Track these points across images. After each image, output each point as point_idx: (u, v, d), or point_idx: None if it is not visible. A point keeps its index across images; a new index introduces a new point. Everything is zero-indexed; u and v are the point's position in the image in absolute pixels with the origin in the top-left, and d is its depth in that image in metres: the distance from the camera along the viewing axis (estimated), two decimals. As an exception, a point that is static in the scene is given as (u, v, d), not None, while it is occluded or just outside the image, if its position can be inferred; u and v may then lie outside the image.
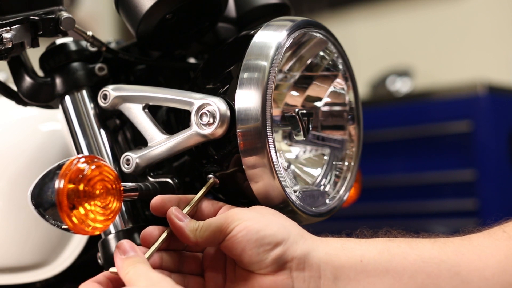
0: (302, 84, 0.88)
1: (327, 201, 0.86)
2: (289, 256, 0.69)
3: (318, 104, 0.89)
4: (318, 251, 0.70)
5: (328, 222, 0.87)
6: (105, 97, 0.84)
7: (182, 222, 0.72)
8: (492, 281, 0.67)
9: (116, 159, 0.84)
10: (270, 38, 0.77)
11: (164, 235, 0.73)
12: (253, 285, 0.70)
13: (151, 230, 0.74)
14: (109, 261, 0.79)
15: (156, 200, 0.74)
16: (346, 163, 0.89)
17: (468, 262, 0.68)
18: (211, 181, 0.78)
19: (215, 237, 0.70)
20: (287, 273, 0.69)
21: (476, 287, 0.67)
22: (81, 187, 0.66)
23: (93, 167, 0.67)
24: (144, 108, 0.82)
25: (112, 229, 0.80)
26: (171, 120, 0.88)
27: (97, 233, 0.69)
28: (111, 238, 0.79)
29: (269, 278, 0.69)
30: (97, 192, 0.67)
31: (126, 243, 0.70)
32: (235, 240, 0.69)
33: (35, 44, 0.80)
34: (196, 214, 0.76)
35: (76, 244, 0.98)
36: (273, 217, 0.72)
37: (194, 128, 0.76)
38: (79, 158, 0.68)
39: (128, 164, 0.81)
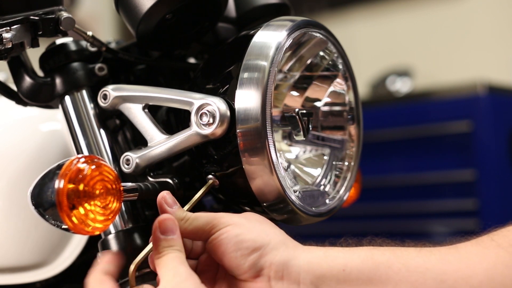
0: (302, 84, 0.88)
1: (327, 201, 0.86)
2: (267, 262, 0.68)
3: (318, 104, 0.89)
4: (299, 259, 0.68)
5: (328, 222, 0.87)
6: (105, 97, 0.84)
7: (170, 208, 0.72)
8: None
9: (116, 159, 0.84)
10: (270, 38, 0.77)
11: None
12: None
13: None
14: (109, 261, 0.79)
15: (161, 193, 0.74)
16: (346, 163, 0.89)
17: (454, 270, 0.66)
18: (210, 181, 0.78)
19: (198, 233, 0.71)
20: (265, 279, 0.68)
21: None
22: (81, 187, 0.66)
23: (93, 167, 0.67)
24: (144, 108, 0.82)
25: (112, 229, 0.80)
26: (171, 120, 0.88)
27: (97, 233, 0.69)
28: (111, 238, 0.79)
29: (249, 284, 0.69)
30: (97, 192, 0.67)
31: (170, 221, 0.69)
32: (217, 242, 0.69)
33: (35, 44, 0.80)
34: None
35: (76, 244, 0.98)
36: (258, 223, 0.72)
37: (194, 128, 0.76)
38: (79, 158, 0.68)
39: (128, 164, 0.81)
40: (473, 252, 0.67)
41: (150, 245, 0.71)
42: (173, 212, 0.71)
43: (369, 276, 0.67)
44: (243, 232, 0.69)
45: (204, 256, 0.75)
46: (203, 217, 0.71)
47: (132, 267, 0.71)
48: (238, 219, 0.71)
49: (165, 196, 0.72)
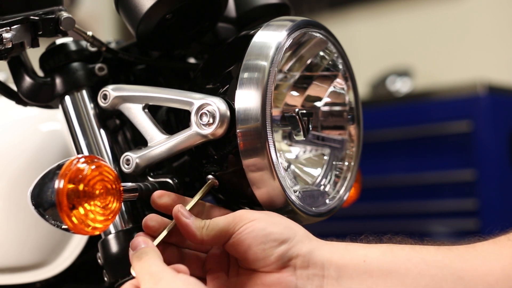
0: (302, 84, 0.88)
1: (327, 201, 0.86)
2: (294, 253, 0.70)
3: (318, 104, 0.89)
4: (322, 250, 0.70)
5: (328, 222, 0.87)
6: (105, 97, 0.84)
7: (188, 220, 0.72)
8: (495, 287, 0.66)
9: (116, 159, 0.83)
10: (270, 38, 0.77)
11: (171, 225, 0.73)
12: (256, 283, 0.70)
13: (153, 217, 0.74)
14: (109, 261, 0.79)
15: (158, 192, 0.75)
16: (346, 163, 0.89)
17: (472, 267, 0.68)
18: (210, 181, 0.78)
19: (222, 236, 0.71)
20: (291, 270, 0.70)
21: None
22: (81, 187, 0.66)
23: (93, 167, 0.67)
24: (144, 108, 0.82)
25: (112, 229, 0.80)
26: (171, 120, 0.88)
27: (97, 233, 0.69)
28: (111, 238, 0.79)
29: (273, 275, 0.70)
30: (97, 192, 0.67)
31: (138, 238, 0.71)
32: (241, 237, 0.70)
33: (35, 44, 0.80)
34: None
35: (76, 244, 0.98)
36: (279, 218, 0.73)
37: (194, 128, 0.76)
38: (79, 158, 0.68)
39: (128, 164, 0.81)
40: (490, 250, 0.69)
41: (170, 225, 0.72)
42: (191, 222, 0.72)
43: (388, 268, 0.68)
44: (269, 226, 0.70)
45: (213, 251, 0.75)
46: (223, 220, 0.72)
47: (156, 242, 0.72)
48: (260, 214, 0.72)
49: (180, 209, 0.73)
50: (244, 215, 0.72)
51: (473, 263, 0.68)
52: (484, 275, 0.67)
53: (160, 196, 0.75)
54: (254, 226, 0.70)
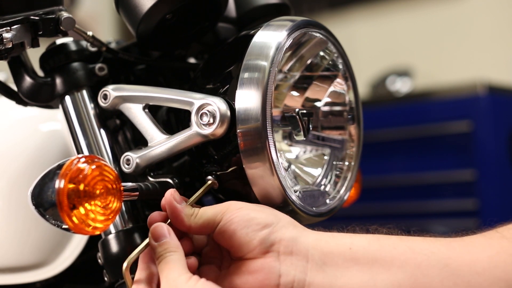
0: (302, 84, 0.88)
1: (327, 201, 0.86)
2: (277, 238, 0.70)
3: (318, 104, 0.89)
4: (307, 237, 0.70)
5: (328, 222, 0.87)
6: (105, 97, 0.84)
7: (179, 205, 0.73)
8: (482, 275, 0.66)
9: (116, 159, 0.84)
10: (270, 38, 0.77)
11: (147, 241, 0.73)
12: (242, 271, 0.70)
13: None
14: (109, 261, 0.79)
15: (169, 191, 0.75)
16: (347, 163, 0.89)
17: (458, 255, 0.67)
18: (209, 182, 0.78)
19: (209, 225, 0.72)
20: (275, 255, 0.69)
21: (466, 281, 0.66)
22: (81, 187, 0.66)
23: (93, 167, 0.67)
24: (144, 108, 0.82)
25: (112, 229, 0.80)
26: (171, 120, 0.88)
27: (97, 233, 0.69)
28: (111, 238, 0.79)
29: (257, 261, 0.70)
30: (97, 192, 0.67)
31: (160, 228, 0.71)
32: (227, 223, 0.71)
33: (35, 44, 0.80)
34: None
35: (76, 244, 0.98)
36: (267, 208, 0.74)
37: (194, 128, 0.76)
38: (79, 158, 0.68)
39: (128, 164, 0.81)
40: (478, 241, 0.69)
41: (142, 244, 0.72)
42: (181, 208, 0.72)
43: (374, 256, 0.68)
44: (252, 212, 0.71)
45: (207, 249, 0.76)
46: (211, 209, 0.73)
47: (124, 265, 0.71)
48: (248, 204, 0.73)
49: (173, 194, 0.73)
50: (232, 205, 0.72)
51: (460, 251, 0.68)
52: (471, 263, 0.66)
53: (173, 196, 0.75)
54: (239, 213, 0.71)
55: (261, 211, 0.72)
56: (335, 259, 0.69)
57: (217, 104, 0.74)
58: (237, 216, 0.71)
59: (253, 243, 0.69)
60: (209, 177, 0.79)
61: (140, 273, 0.72)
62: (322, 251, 0.69)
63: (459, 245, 0.68)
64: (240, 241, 0.70)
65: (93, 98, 0.86)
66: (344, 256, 0.69)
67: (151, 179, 0.82)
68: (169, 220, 0.74)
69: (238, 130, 0.74)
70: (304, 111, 0.84)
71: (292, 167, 0.87)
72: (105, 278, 0.81)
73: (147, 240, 0.72)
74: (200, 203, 0.77)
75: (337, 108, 0.90)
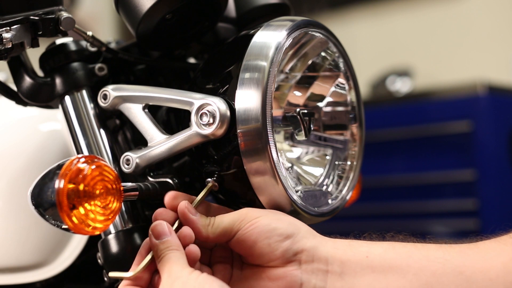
0: (304, 84, 0.88)
1: (329, 201, 0.86)
2: (299, 248, 0.71)
3: (320, 104, 0.89)
4: (326, 246, 0.72)
5: (328, 222, 0.87)
6: (105, 97, 0.84)
7: (194, 217, 0.73)
8: (496, 282, 0.67)
9: (116, 159, 0.83)
10: (270, 38, 0.77)
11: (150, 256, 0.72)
12: (261, 277, 0.71)
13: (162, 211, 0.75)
14: (109, 261, 0.79)
15: (172, 193, 0.75)
16: (349, 163, 0.89)
17: (472, 262, 0.68)
18: (210, 185, 0.78)
19: (227, 233, 0.72)
20: (296, 265, 0.71)
21: (480, 287, 0.67)
22: (81, 187, 0.66)
23: (93, 167, 0.67)
24: (144, 108, 0.82)
25: (112, 229, 0.80)
26: (171, 120, 0.88)
27: (97, 233, 0.69)
28: (111, 238, 0.79)
29: (279, 269, 0.71)
30: (97, 192, 0.67)
31: (160, 227, 0.71)
32: (247, 233, 0.71)
33: (35, 44, 0.80)
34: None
35: (76, 244, 0.98)
36: (282, 215, 0.74)
37: (194, 128, 0.76)
38: (79, 158, 0.68)
39: (128, 164, 0.81)
40: (492, 247, 0.70)
41: (147, 259, 0.71)
42: (197, 220, 0.73)
43: (390, 264, 0.70)
44: (273, 222, 0.72)
45: (217, 248, 0.76)
46: (227, 218, 0.73)
47: (130, 275, 0.71)
48: (263, 212, 0.74)
49: (187, 206, 0.74)
50: (249, 213, 0.73)
51: (474, 258, 0.69)
52: (485, 270, 0.67)
53: (176, 198, 0.75)
54: (259, 223, 0.71)
55: (280, 220, 0.72)
56: (352, 267, 0.70)
57: (217, 104, 0.74)
58: (258, 226, 0.71)
59: (276, 254, 0.71)
60: (209, 179, 0.78)
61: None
62: (340, 260, 0.71)
63: (473, 252, 0.70)
64: (262, 251, 0.71)
65: (93, 98, 0.86)
66: (361, 264, 0.70)
67: (151, 179, 0.82)
68: (176, 223, 0.73)
69: (238, 130, 0.74)
70: (305, 111, 0.84)
71: (294, 167, 0.87)
72: (105, 278, 0.81)
73: (150, 256, 0.72)
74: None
75: (339, 108, 0.90)
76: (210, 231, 0.72)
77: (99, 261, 0.82)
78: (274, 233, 0.71)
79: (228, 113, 0.74)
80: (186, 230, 0.73)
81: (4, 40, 0.76)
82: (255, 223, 0.71)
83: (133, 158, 0.81)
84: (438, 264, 0.69)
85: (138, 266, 0.71)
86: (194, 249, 0.72)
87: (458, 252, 0.70)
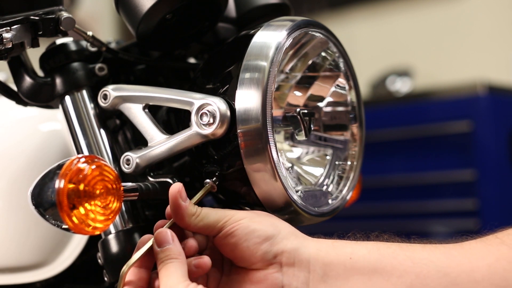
0: (304, 84, 0.88)
1: (329, 201, 0.86)
2: (279, 250, 0.70)
3: (320, 104, 0.89)
4: (308, 247, 0.71)
5: (328, 222, 0.87)
6: (105, 97, 0.84)
7: (183, 202, 0.72)
8: (481, 283, 0.66)
9: (116, 159, 0.83)
10: (270, 38, 0.77)
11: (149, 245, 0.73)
12: (245, 280, 0.71)
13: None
14: (109, 261, 0.79)
15: (176, 185, 0.74)
16: (349, 163, 0.89)
17: (457, 264, 0.68)
18: (208, 186, 0.78)
19: (208, 229, 0.72)
20: (277, 267, 0.70)
21: None
22: (81, 187, 0.66)
23: (93, 167, 0.67)
24: (144, 108, 0.82)
25: (112, 229, 0.80)
26: (171, 120, 0.88)
27: (97, 233, 0.69)
28: (111, 238, 0.79)
29: (260, 272, 0.70)
30: (97, 192, 0.67)
31: (164, 234, 0.71)
32: (229, 235, 0.71)
33: (35, 44, 0.80)
34: None
35: (76, 244, 0.98)
36: (267, 217, 0.74)
37: (194, 128, 0.76)
38: (79, 158, 0.67)
39: (128, 164, 0.81)
40: (477, 248, 0.69)
41: (143, 249, 0.72)
42: (185, 206, 0.72)
43: (374, 266, 0.69)
44: (252, 224, 0.71)
45: (207, 252, 0.76)
46: (213, 215, 0.72)
47: (124, 269, 0.71)
48: (247, 213, 0.73)
49: (181, 190, 0.73)
50: (236, 214, 0.72)
51: (459, 260, 0.68)
52: (470, 271, 0.67)
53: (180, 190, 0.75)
54: (241, 225, 0.71)
55: (261, 222, 0.72)
56: (335, 269, 0.69)
57: (217, 104, 0.74)
58: (239, 228, 0.71)
59: (256, 256, 0.70)
60: (207, 180, 0.78)
61: (131, 276, 0.72)
62: (323, 262, 0.70)
63: (458, 253, 0.69)
64: (243, 254, 0.71)
65: (93, 98, 0.86)
66: (344, 266, 0.69)
67: (151, 179, 0.82)
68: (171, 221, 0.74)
69: (238, 130, 0.74)
70: (306, 111, 0.84)
71: (295, 167, 0.87)
72: (105, 278, 0.81)
73: (147, 245, 0.72)
74: (200, 203, 0.77)
75: (339, 108, 0.90)
76: (193, 221, 0.72)
77: (99, 261, 0.82)
78: (253, 235, 0.70)
79: (228, 113, 0.74)
80: (191, 241, 0.73)
81: (4, 40, 0.76)
82: (236, 225, 0.71)
83: (133, 158, 0.81)
84: (422, 265, 0.68)
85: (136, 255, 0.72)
86: (206, 260, 0.71)
87: (442, 253, 0.69)
